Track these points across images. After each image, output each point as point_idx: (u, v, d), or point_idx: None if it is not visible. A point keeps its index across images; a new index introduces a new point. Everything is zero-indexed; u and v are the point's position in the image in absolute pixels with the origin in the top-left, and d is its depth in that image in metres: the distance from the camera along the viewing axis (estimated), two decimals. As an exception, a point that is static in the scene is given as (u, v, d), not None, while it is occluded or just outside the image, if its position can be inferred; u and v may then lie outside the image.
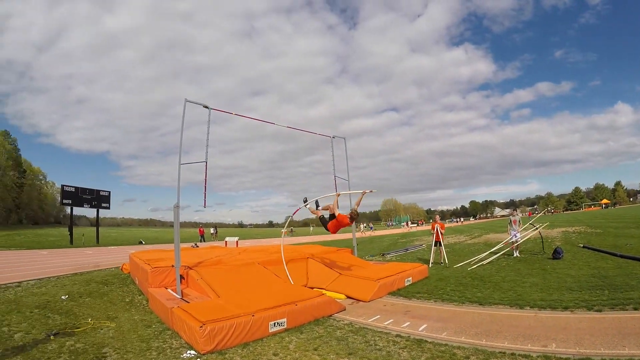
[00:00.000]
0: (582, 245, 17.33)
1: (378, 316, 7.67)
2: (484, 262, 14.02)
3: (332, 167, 12.85)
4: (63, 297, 9.58)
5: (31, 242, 34.30)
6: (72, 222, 37.11)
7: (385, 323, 7.20)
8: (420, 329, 6.69)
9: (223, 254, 12.12)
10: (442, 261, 14.55)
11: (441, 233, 14.77)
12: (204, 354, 5.68)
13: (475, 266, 13.47)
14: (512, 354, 5.25)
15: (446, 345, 5.79)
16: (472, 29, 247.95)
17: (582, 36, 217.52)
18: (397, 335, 6.40)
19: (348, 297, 9.26)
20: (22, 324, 7.30)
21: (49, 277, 13.08)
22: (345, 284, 9.77)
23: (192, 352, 5.80)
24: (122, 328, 7.19)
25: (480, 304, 8.24)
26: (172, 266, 9.01)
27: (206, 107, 9.70)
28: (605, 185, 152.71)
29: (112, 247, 32.50)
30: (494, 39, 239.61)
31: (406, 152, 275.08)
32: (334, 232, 10.05)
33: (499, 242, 17.88)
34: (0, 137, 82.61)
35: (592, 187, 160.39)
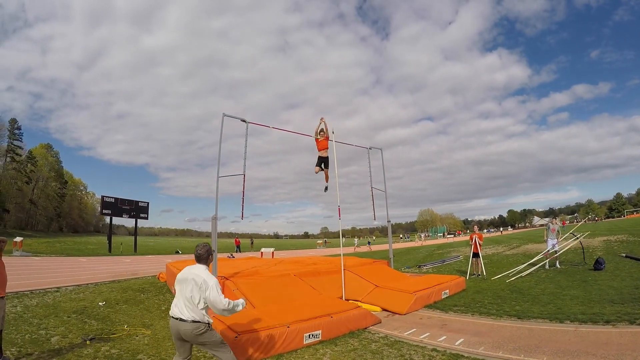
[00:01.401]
0: (624, 254, 16.71)
1: (414, 329, 7.66)
2: (523, 274, 13.74)
3: (368, 178, 12.93)
4: (100, 303, 9.91)
5: (71, 250, 35.47)
6: (110, 231, 38.40)
7: (421, 337, 7.17)
8: (456, 343, 6.64)
9: (259, 265, 12.40)
10: (479, 273, 14.37)
11: (479, 244, 14.55)
12: (239, 365, 5.77)
13: (513, 278, 13.23)
14: (551, 370, 5.16)
15: (483, 360, 5.73)
16: (505, 34, 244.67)
17: (618, 34, 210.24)
18: (433, 350, 6.37)
19: (384, 309, 9.31)
20: (60, 328, 7.59)
21: (87, 284, 13.49)
22: (381, 296, 9.83)
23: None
24: (157, 335, 7.39)
25: (519, 318, 8.11)
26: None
27: (244, 121, 9.97)
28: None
29: (149, 255, 33.40)
30: (527, 42, 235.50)
31: (442, 161, 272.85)
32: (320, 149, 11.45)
33: (538, 253, 17.64)
34: (43, 149, 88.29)
35: (634, 192, 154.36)
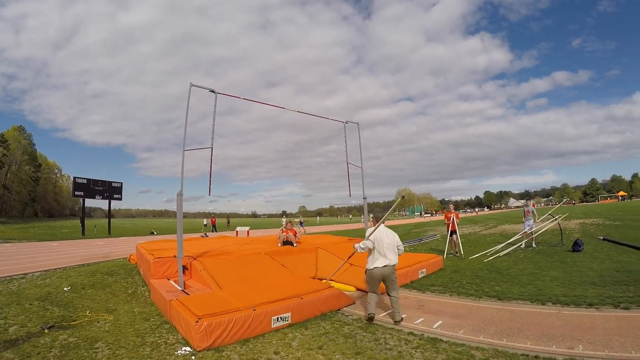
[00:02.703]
0: (602, 237, 16.72)
1: (389, 310, 7.25)
2: (501, 253, 13.59)
3: (345, 156, 12.43)
4: (65, 288, 9.45)
5: (44, 235, 34.68)
6: (84, 213, 37.44)
7: (397, 319, 6.78)
8: (434, 326, 6.25)
9: (231, 244, 11.84)
10: (457, 251, 14.15)
11: (456, 223, 14.33)
12: (199, 351, 5.31)
13: (491, 258, 13.08)
14: (536, 356, 4.79)
15: (463, 345, 5.34)
16: (488, 18, 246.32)
17: (601, 24, 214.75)
18: (409, 333, 5.97)
19: (358, 289, 8.80)
20: (20, 317, 7.11)
21: (55, 269, 13.08)
22: (356, 275, 9.27)
23: (188, 348, 5.44)
24: (120, 321, 6.90)
25: (499, 299, 7.80)
26: (175, 256, 8.69)
27: (212, 91, 9.32)
28: (623, 177, 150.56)
29: (124, 237, 32.66)
30: (510, 27, 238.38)
31: (421, 142, 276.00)
32: None
33: (515, 234, 17.77)
34: (15, 132, 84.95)
35: (608, 179, 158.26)
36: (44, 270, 12.66)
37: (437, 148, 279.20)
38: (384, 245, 6.70)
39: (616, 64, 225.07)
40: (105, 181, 36.59)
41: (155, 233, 38.55)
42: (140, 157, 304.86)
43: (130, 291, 9.52)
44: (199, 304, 6.04)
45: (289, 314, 6.39)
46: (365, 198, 12.38)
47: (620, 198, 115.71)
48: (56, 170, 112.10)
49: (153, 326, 6.56)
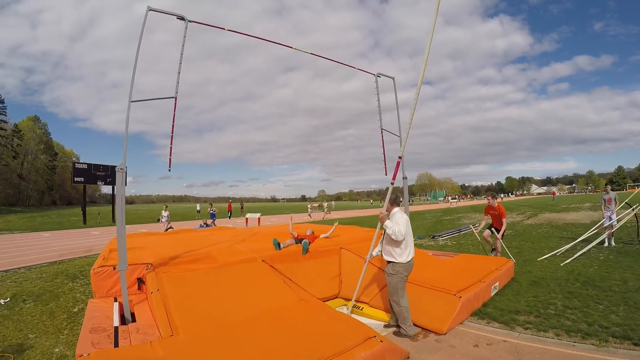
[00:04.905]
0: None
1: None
2: (577, 254, 10.43)
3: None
4: (3, 301, 7.61)
5: (50, 223, 33.82)
6: (85, 200, 35.58)
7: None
8: None
9: (222, 241, 8.61)
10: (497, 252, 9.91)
11: (504, 223, 9.81)
12: None
13: (568, 261, 9.84)
14: None
15: None
16: (507, 0, 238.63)
17: (624, 7, 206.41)
18: None
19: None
20: None
21: (19, 268, 11.51)
22: None
23: None
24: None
25: (635, 343, 4.72)
26: (114, 268, 5.70)
27: (181, 18, 6.25)
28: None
29: (127, 226, 30.23)
30: (530, 10, 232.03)
31: (440, 126, 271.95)
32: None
33: (567, 224, 15.84)
34: (30, 122, 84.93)
35: (632, 167, 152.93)
36: (4, 271, 11.06)
37: (457, 132, 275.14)
38: (410, 232, 5.53)
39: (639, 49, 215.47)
40: (107, 166, 34.20)
41: (161, 220, 36.12)
42: (160, 144, 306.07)
43: (76, 309, 7.00)
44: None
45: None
46: (406, 178, 9.04)
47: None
48: (74, 159, 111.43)
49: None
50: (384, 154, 9.22)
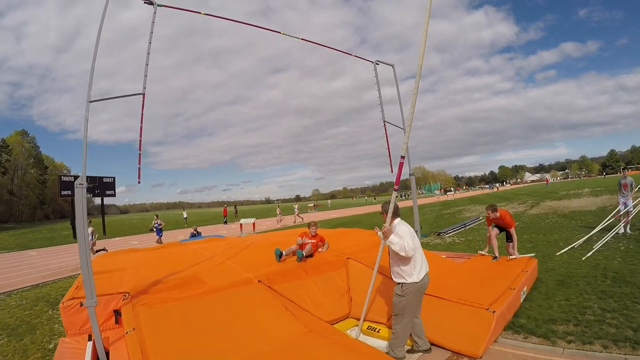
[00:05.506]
0: None
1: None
2: (596, 246, 9.72)
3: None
4: None
5: (42, 239, 33.05)
6: (73, 214, 34.07)
7: None
8: None
9: (212, 256, 7.60)
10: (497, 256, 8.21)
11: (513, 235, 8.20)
12: None
13: (590, 254, 9.12)
14: None
15: None
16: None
17: None
18: None
19: (434, 344, 4.83)
20: None
21: None
22: (423, 314, 4.97)
23: None
24: None
25: None
26: (81, 304, 4.83)
27: (150, 3, 5.45)
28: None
29: (117, 238, 29.75)
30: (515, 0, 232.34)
31: (430, 119, 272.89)
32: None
33: (574, 212, 15.63)
34: (18, 137, 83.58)
35: (624, 150, 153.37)
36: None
37: (447, 124, 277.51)
38: (418, 245, 4.78)
39: (624, 34, 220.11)
40: (95, 177, 33.15)
41: (154, 230, 35.16)
42: (151, 152, 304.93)
43: (51, 345, 6.10)
44: None
45: None
46: (412, 174, 8.22)
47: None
48: (65, 171, 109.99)
49: None
50: (388, 148, 8.40)
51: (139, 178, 5.06)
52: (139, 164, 4.96)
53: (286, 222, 33.72)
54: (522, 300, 5.98)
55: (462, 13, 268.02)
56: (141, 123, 4.84)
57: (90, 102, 4.51)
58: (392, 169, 8.24)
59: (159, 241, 20.70)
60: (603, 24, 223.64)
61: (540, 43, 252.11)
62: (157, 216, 23.57)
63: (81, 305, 4.94)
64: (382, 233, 4.55)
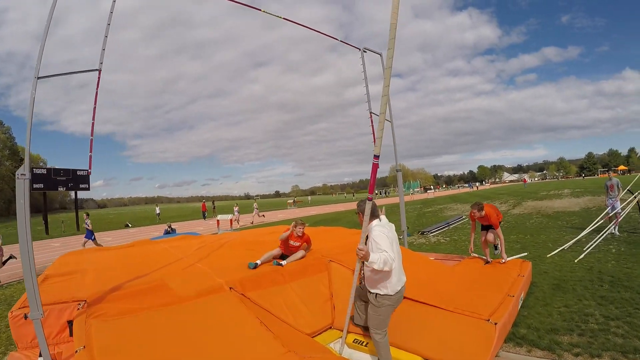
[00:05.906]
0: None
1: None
2: (587, 248, 9.49)
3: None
4: None
5: (13, 236, 30.03)
6: (46, 209, 32.86)
7: None
8: None
9: (183, 257, 6.94)
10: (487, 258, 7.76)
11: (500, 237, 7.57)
12: None
13: (582, 256, 8.84)
14: None
15: None
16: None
17: (590, 1, 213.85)
18: None
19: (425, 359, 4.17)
20: None
21: None
22: (417, 326, 4.55)
23: None
24: None
25: None
26: (26, 317, 4.16)
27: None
28: (619, 152, 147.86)
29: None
30: (498, 3, 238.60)
31: (411, 117, 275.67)
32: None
33: (557, 212, 15.61)
34: None
35: (601, 153, 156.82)
36: None
37: (428, 123, 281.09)
38: (397, 251, 4.02)
39: (606, 40, 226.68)
40: (69, 169, 31.71)
41: (130, 225, 34.23)
42: (130, 145, 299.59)
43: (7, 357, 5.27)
44: None
45: None
46: (399, 170, 7.73)
47: (620, 172, 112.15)
48: (41, 163, 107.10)
49: None
50: (374, 141, 7.87)
51: (89, 167, 4.40)
52: (90, 151, 4.31)
53: (243, 222, 28.67)
54: (520, 305, 5.51)
55: (446, 14, 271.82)
56: (95, 103, 4.21)
57: (38, 78, 3.90)
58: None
59: (93, 244, 17.05)
60: (585, 30, 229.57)
61: (522, 47, 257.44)
62: (87, 215, 18.56)
63: (25, 317, 4.26)
64: (359, 256, 3.80)
